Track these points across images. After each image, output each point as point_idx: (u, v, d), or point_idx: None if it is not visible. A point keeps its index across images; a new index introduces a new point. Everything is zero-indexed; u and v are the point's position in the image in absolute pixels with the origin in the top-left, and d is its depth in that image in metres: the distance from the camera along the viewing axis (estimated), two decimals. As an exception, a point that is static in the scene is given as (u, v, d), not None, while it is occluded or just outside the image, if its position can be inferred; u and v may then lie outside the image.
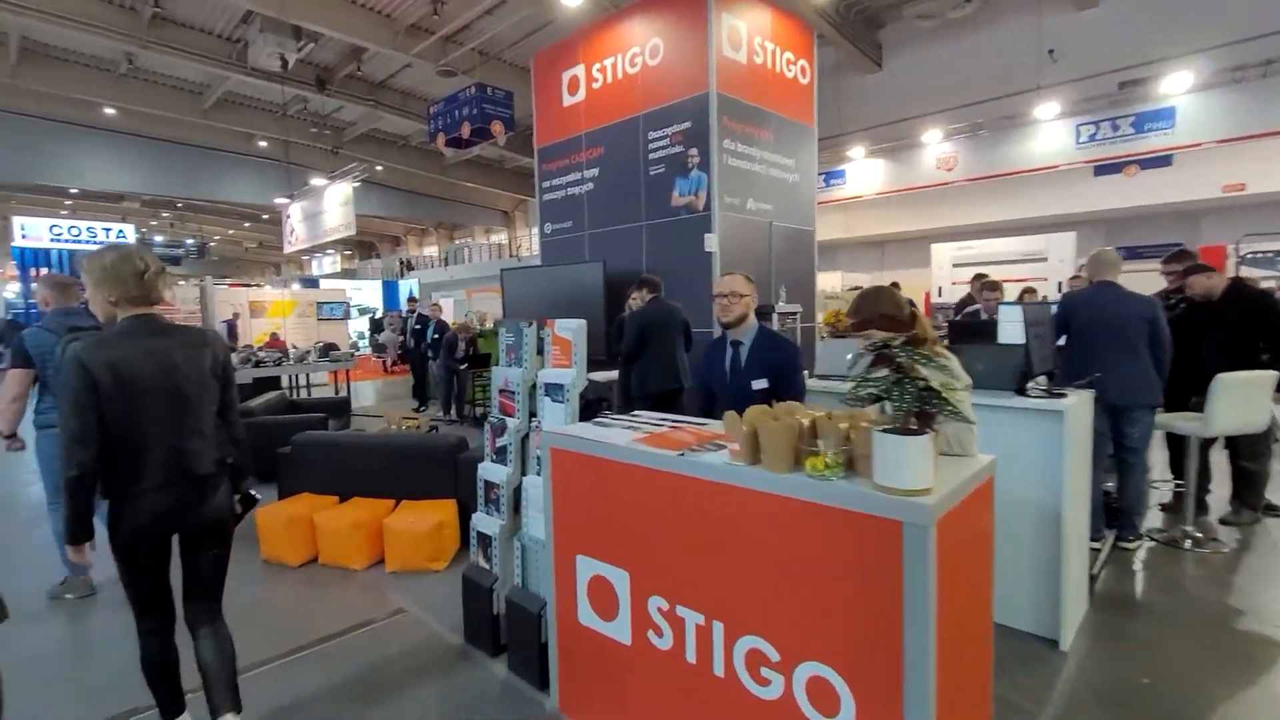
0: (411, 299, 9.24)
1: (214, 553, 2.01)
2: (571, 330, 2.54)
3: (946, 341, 3.44)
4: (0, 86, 12.13)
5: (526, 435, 2.69)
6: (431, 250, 29.53)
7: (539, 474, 2.45)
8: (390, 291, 20.47)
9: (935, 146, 12.07)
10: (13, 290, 16.27)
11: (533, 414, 2.66)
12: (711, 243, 5.55)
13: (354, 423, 7.21)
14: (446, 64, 11.01)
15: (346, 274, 31.25)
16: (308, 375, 9.19)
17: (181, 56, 10.83)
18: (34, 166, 14.24)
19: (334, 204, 10.34)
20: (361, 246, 33.29)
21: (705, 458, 1.78)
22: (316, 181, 11.06)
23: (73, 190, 19.96)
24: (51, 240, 14.65)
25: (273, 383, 7.86)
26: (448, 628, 2.92)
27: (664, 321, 4.59)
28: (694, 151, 5.67)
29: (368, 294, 20.12)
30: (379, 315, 17.90)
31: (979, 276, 6.52)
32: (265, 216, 26.39)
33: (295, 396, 8.86)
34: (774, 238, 6.16)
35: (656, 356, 4.53)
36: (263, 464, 3.65)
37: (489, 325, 9.95)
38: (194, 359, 1.89)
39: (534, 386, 2.62)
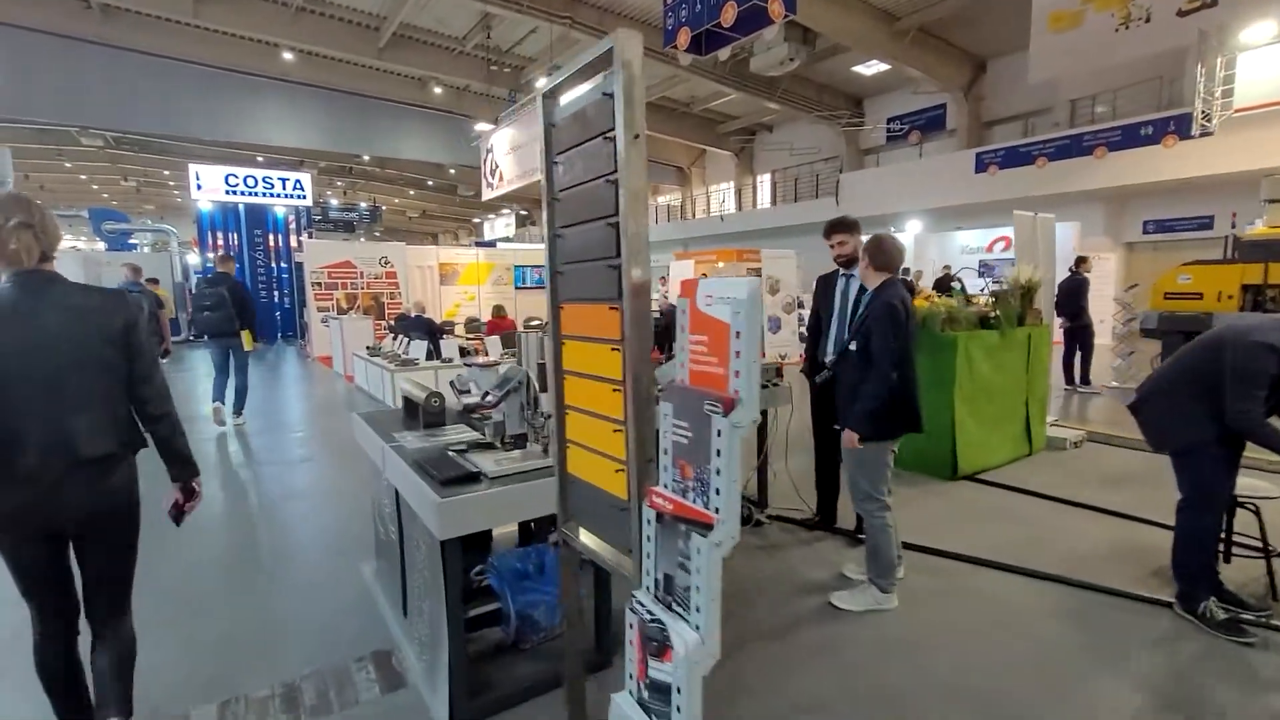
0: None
1: (110, 551, 1.65)
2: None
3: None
4: (185, 31, 11.23)
5: None
6: (590, 216, 27.57)
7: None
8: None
9: None
10: (194, 259, 15.24)
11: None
12: None
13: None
14: (680, -61, 8.12)
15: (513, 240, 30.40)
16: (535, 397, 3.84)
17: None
18: (219, 122, 13.51)
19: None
20: (518, 215, 32.34)
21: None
22: (540, 83, 8.57)
23: (259, 159, 20.11)
24: (227, 192, 13.18)
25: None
26: None
27: None
28: None
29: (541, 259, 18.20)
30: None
31: None
32: (430, 183, 25.91)
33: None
34: None
35: None
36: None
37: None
38: (79, 322, 1.56)
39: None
